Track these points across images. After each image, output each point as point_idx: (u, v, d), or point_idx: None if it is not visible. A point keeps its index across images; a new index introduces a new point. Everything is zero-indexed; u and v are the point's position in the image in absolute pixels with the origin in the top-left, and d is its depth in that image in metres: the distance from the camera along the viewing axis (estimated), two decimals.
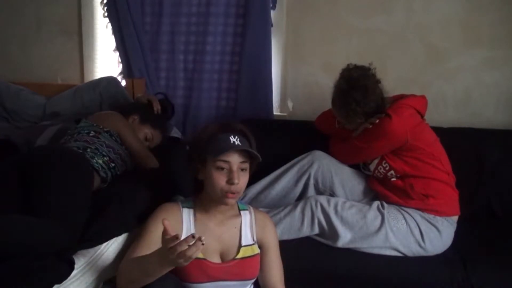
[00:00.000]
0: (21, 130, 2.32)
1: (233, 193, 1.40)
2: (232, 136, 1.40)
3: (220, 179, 1.40)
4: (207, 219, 1.48)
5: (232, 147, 1.39)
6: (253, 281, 1.50)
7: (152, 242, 1.37)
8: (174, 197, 1.86)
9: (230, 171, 1.39)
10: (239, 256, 1.46)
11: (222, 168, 1.40)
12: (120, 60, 2.57)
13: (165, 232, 1.15)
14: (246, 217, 1.53)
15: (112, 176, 1.87)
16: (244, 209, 1.55)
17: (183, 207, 1.50)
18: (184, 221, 1.47)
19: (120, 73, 2.60)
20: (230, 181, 1.38)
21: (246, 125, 1.51)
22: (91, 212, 1.52)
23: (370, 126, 1.83)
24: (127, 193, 1.69)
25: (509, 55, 2.30)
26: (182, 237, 1.34)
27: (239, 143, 1.40)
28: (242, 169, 1.42)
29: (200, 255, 1.41)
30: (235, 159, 1.40)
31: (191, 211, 1.49)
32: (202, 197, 1.50)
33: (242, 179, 1.41)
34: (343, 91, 1.83)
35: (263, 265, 1.51)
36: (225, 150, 1.38)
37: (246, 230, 1.51)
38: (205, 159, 1.43)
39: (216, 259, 1.45)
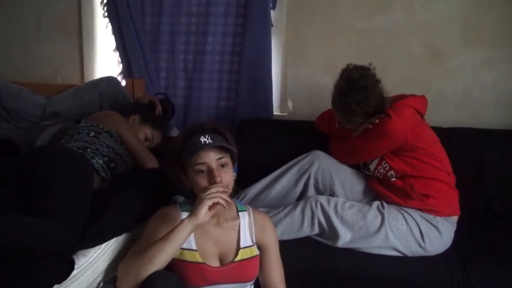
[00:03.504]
0: (21, 130, 2.32)
1: None
2: (202, 137, 1.39)
3: (203, 182, 1.39)
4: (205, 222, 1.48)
5: (203, 147, 1.38)
6: (252, 282, 1.50)
7: None
8: (174, 197, 1.87)
9: (209, 170, 1.39)
10: (237, 258, 1.45)
11: (202, 171, 1.39)
12: (120, 60, 2.57)
13: None
14: (245, 219, 1.52)
15: (112, 176, 1.87)
16: (242, 210, 1.55)
17: (181, 210, 1.49)
18: None
19: (120, 73, 2.60)
20: (213, 181, 1.37)
21: (216, 122, 1.51)
22: (91, 212, 1.52)
23: (370, 126, 1.83)
24: (127, 193, 1.69)
25: (509, 55, 2.29)
26: (183, 245, 1.37)
27: (210, 141, 1.39)
28: (222, 165, 1.41)
29: (199, 259, 1.41)
30: (211, 158, 1.39)
31: None
32: None
33: (225, 175, 1.40)
34: (343, 91, 1.82)
35: (264, 266, 1.51)
36: (196, 152, 1.37)
37: (245, 232, 1.50)
38: (185, 168, 1.43)
39: (215, 263, 1.45)
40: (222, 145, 1.40)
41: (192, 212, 1.34)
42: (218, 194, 1.33)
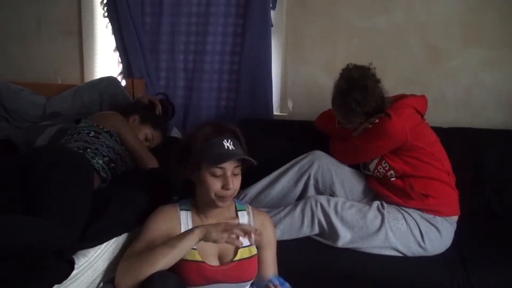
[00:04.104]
0: (21, 130, 2.32)
1: (228, 196, 1.42)
2: (225, 141, 1.41)
3: (215, 185, 1.41)
4: (205, 221, 1.49)
5: (228, 155, 1.40)
6: (251, 281, 1.50)
7: (152, 244, 1.37)
8: (174, 197, 1.86)
9: (224, 176, 1.41)
10: (236, 258, 1.46)
11: (217, 174, 1.41)
12: (120, 60, 2.57)
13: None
14: (244, 218, 1.53)
15: (112, 176, 1.87)
16: (242, 210, 1.55)
17: (181, 209, 1.50)
18: (182, 224, 1.47)
19: (120, 73, 2.60)
20: (225, 187, 1.40)
21: (236, 124, 1.52)
22: (91, 212, 1.52)
23: (370, 126, 1.83)
24: (127, 193, 1.70)
25: (509, 55, 2.29)
26: None
27: (233, 148, 1.42)
28: (235, 174, 1.43)
29: (198, 258, 1.41)
30: (229, 165, 1.41)
31: (189, 213, 1.50)
32: (197, 199, 1.50)
33: (235, 183, 1.43)
34: (343, 91, 1.83)
35: (260, 263, 1.52)
36: (220, 159, 1.39)
37: None
38: (199, 164, 1.43)
39: (214, 262, 1.45)
40: (246, 158, 1.41)
41: (208, 230, 1.33)
42: (237, 233, 1.32)
